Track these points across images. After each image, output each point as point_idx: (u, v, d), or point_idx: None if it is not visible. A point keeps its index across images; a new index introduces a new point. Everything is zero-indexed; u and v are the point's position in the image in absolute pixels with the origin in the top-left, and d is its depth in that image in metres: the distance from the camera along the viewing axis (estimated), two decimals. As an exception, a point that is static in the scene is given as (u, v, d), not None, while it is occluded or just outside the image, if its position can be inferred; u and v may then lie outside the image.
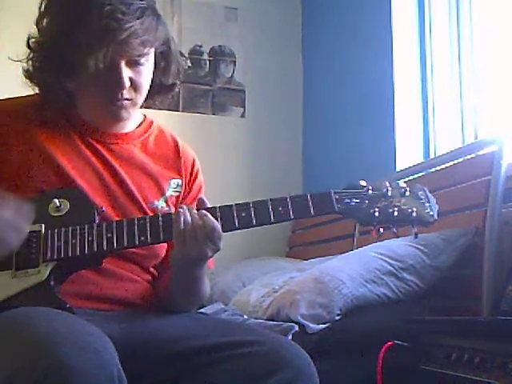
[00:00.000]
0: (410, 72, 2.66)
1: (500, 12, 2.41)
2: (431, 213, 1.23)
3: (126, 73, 1.23)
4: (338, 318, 1.71)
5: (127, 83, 1.23)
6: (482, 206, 1.87)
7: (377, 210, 1.21)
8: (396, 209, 1.21)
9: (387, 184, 1.24)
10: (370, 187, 1.23)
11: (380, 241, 1.96)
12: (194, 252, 1.16)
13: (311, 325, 1.68)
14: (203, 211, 1.17)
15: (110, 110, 1.27)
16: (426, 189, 1.26)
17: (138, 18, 1.19)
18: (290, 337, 1.62)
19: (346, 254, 2.04)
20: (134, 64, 1.24)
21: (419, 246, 1.86)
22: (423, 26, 2.67)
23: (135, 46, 1.20)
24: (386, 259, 1.82)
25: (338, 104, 3.11)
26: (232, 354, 1.10)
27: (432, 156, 2.56)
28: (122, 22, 1.17)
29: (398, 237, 1.26)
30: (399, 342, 1.53)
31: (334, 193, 1.21)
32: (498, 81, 2.41)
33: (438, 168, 2.19)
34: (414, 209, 1.21)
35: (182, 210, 1.17)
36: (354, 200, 1.21)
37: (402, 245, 1.88)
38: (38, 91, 1.30)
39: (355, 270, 1.80)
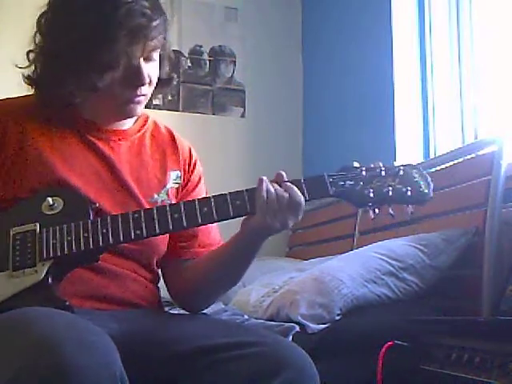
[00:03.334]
0: (410, 72, 2.66)
1: (500, 12, 2.41)
2: (426, 191, 1.22)
3: (145, 69, 1.24)
4: (338, 317, 1.71)
5: (147, 79, 1.24)
6: (481, 205, 1.87)
7: (371, 190, 1.20)
8: (390, 188, 1.20)
9: (381, 164, 1.24)
10: (364, 168, 1.23)
11: (380, 240, 1.96)
12: (277, 222, 1.17)
13: (311, 325, 1.68)
14: (288, 184, 1.18)
15: (126, 108, 1.28)
16: (420, 167, 1.25)
17: (160, 15, 1.22)
18: (290, 337, 1.62)
19: (346, 254, 2.04)
20: (148, 60, 1.25)
21: (419, 246, 1.85)
22: (423, 25, 2.67)
23: (160, 41, 1.23)
24: (386, 259, 1.82)
25: (337, 104, 3.11)
26: (233, 354, 1.09)
27: (432, 156, 2.56)
28: (152, 19, 1.19)
29: (393, 215, 1.24)
30: (399, 342, 1.53)
31: (328, 176, 1.21)
32: (498, 81, 2.41)
33: (438, 168, 2.19)
34: (409, 188, 1.21)
35: (264, 179, 1.18)
36: (349, 182, 1.21)
37: (402, 245, 1.88)
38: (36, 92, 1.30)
39: (355, 270, 1.80)
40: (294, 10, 3.48)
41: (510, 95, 2.33)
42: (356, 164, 1.24)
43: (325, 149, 3.19)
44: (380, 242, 1.94)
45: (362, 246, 2.05)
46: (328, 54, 3.23)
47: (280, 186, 1.18)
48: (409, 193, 1.20)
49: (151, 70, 1.26)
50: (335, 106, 3.13)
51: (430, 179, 1.24)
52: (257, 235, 1.23)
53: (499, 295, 1.66)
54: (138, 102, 1.27)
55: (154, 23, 1.19)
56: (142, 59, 1.22)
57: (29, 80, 1.27)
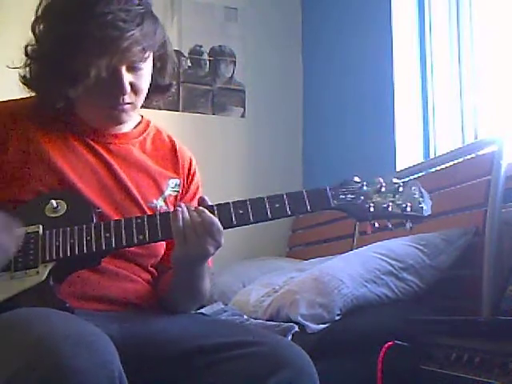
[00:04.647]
0: (410, 72, 2.66)
1: (500, 12, 2.41)
2: (425, 207, 1.25)
3: (127, 78, 1.23)
4: (337, 317, 1.71)
5: (128, 88, 1.24)
6: (482, 205, 1.87)
7: (371, 205, 1.22)
8: (390, 204, 1.23)
9: (381, 180, 1.25)
10: (365, 183, 1.25)
11: (379, 241, 1.96)
12: (195, 249, 1.16)
13: (311, 325, 1.68)
14: (201, 208, 1.18)
15: (111, 115, 1.28)
16: (419, 184, 1.27)
17: (138, 25, 1.20)
18: (289, 337, 1.62)
19: (346, 254, 2.04)
20: (134, 69, 1.25)
21: (419, 246, 1.85)
22: (423, 26, 2.67)
23: (136, 53, 1.21)
24: (386, 259, 1.82)
25: (337, 104, 3.11)
26: (232, 354, 1.10)
27: (432, 156, 2.56)
28: (124, 31, 1.18)
29: (392, 229, 1.27)
30: (399, 342, 1.54)
31: (330, 189, 1.23)
32: (498, 81, 2.41)
33: (438, 168, 2.19)
34: (408, 204, 1.23)
35: (179, 209, 1.17)
36: (350, 196, 1.23)
37: (402, 245, 1.88)
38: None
39: (355, 270, 1.80)
40: (294, 10, 3.48)
41: (510, 95, 2.33)
42: (357, 179, 1.26)
43: (325, 149, 3.19)
44: (380, 242, 1.94)
45: (361, 246, 2.05)
46: (328, 54, 3.23)
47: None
48: (408, 209, 1.23)
49: (136, 79, 1.25)
50: (335, 106, 3.12)
51: (428, 196, 1.27)
52: (188, 264, 1.22)
53: (499, 295, 1.66)
54: (123, 110, 1.27)
55: (128, 34, 1.18)
56: (123, 68, 1.22)
57: (23, 80, 1.28)
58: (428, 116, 2.61)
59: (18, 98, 1.34)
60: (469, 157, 2.06)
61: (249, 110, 3.33)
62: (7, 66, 1.29)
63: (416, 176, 2.24)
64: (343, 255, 2.02)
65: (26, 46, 1.27)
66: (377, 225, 1.25)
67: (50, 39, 1.23)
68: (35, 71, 1.26)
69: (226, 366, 1.09)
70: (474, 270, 1.81)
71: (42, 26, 1.25)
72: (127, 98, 1.26)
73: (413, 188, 1.25)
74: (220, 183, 2.92)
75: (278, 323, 1.73)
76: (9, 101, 1.34)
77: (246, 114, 3.33)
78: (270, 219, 1.20)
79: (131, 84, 1.25)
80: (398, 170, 2.52)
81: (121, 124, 1.32)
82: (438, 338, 1.52)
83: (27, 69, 1.27)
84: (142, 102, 1.36)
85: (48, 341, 0.91)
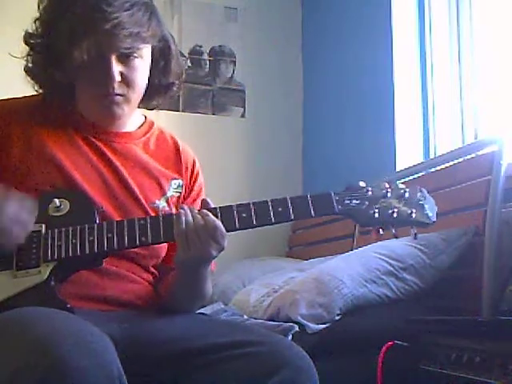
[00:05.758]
0: (410, 72, 2.66)
1: (500, 12, 2.41)
2: (430, 214, 1.23)
3: (117, 67, 1.23)
4: (337, 317, 1.71)
5: (117, 77, 1.23)
6: (482, 205, 1.87)
7: (376, 211, 1.21)
8: (395, 210, 1.21)
9: (386, 185, 1.24)
10: (370, 188, 1.23)
11: (380, 241, 1.96)
12: (198, 253, 1.16)
13: (311, 325, 1.68)
14: (204, 211, 1.18)
15: (103, 105, 1.27)
16: (424, 190, 1.26)
17: (125, 10, 1.19)
18: (289, 337, 1.62)
19: (346, 254, 2.04)
20: (125, 59, 1.24)
21: (419, 246, 1.85)
22: (423, 25, 2.67)
23: (122, 38, 1.19)
24: (386, 259, 1.82)
25: (337, 104, 3.11)
26: (232, 354, 1.10)
27: (432, 156, 2.56)
28: (107, 13, 1.17)
29: (396, 237, 1.26)
30: (399, 342, 1.53)
31: (335, 194, 1.22)
32: (498, 81, 2.41)
33: (438, 168, 2.19)
34: (414, 210, 1.22)
35: (182, 211, 1.17)
36: (354, 201, 1.22)
37: (402, 245, 1.87)
38: (37, 88, 1.31)
39: (355, 270, 1.80)
40: (294, 10, 3.48)
41: (510, 95, 2.33)
42: (362, 184, 1.24)
43: (325, 149, 3.19)
44: (380, 242, 1.94)
45: (361, 246, 2.05)
46: (328, 54, 3.23)
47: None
48: (413, 215, 1.21)
49: (128, 70, 1.24)
50: (335, 106, 3.13)
51: (434, 202, 1.25)
52: (191, 266, 1.22)
53: (499, 295, 1.66)
54: (113, 101, 1.26)
55: (112, 17, 1.17)
56: (113, 57, 1.21)
57: (25, 69, 1.30)
58: (428, 116, 2.61)
59: (23, 96, 1.34)
60: (469, 157, 2.06)
61: (249, 109, 3.33)
62: (9, 54, 1.30)
63: (416, 176, 2.24)
64: (343, 255, 2.01)
65: (25, 33, 1.28)
66: (381, 231, 1.23)
67: (39, 21, 1.25)
68: (30, 56, 1.27)
69: (226, 366, 1.09)
70: (474, 269, 1.81)
71: (38, 17, 1.27)
72: (117, 88, 1.24)
73: (418, 194, 1.24)
74: (220, 183, 2.92)
75: (278, 323, 1.72)
76: (11, 99, 1.34)
77: (246, 114, 3.33)
78: (273, 223, 1.20)
79: (122, 74, 1.24)
80: (397, 169, 2.52)
81: (115, 117, 1.30)
82: (438, 337, 1.52)
83: (27, 58, 1.28)
84: (145, 103, 1.36)
85: (48, 341, 0.91)
